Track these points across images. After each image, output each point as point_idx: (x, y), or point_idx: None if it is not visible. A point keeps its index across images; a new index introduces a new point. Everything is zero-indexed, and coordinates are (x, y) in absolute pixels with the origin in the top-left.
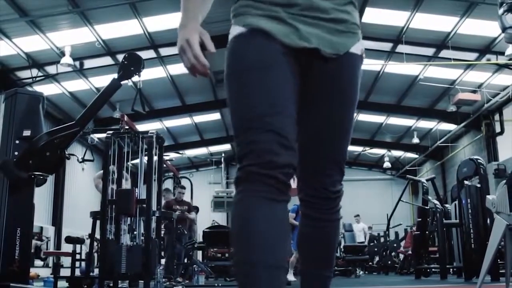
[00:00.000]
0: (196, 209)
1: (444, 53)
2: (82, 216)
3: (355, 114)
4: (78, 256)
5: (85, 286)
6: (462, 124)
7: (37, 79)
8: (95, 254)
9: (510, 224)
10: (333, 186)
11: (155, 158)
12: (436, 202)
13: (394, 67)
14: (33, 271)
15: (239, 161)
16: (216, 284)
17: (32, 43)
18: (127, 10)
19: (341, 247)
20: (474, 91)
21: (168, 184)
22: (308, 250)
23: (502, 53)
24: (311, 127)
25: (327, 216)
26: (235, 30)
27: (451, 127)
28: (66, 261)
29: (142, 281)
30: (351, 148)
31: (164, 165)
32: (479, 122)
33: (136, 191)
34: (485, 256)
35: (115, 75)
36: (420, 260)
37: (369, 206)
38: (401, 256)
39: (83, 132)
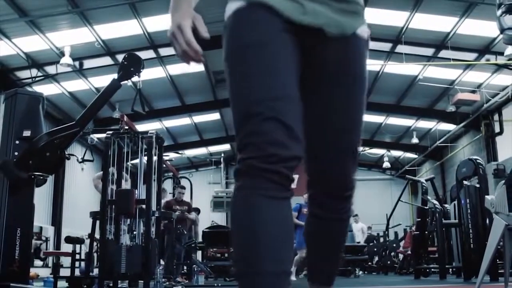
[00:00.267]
0: (198, 211)
1: (444, 53)
2: (81, 216)
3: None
4: (77, 256)
5: (85, 286)
6: (462, 124)
7: (37, 79)
8: (95, 254)
9: (509, 224)
10: (347, 181)
11: (155, 158)
12: (436, 202)
13: (394, 67)
14: (32, 271)
15: (239, 151)
16: (215, 284)
17: (31, 43)
18: (127, 10)
19: None
20: (473, 91)
21: (168, 184)
22: (315, 250)
23: (502, 53)
24: (318, 116)
25: (337, 215)
26: (233, 5)
27: (450, 127)
28: (65, 261)
29: (142, 281)
30: None
31: (164, 165)
32: (478, 122)
33: (136, 191)
34: (484, 256)
35: (115, 75)
36: (420, 260)
37: (368, 206)
38: (401, 256)
39: (83, 132)
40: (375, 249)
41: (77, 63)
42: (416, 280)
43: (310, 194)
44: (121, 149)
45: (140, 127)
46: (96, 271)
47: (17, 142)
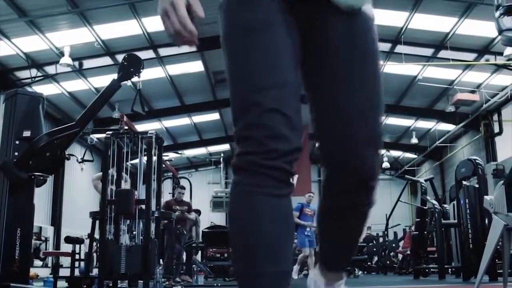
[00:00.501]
0: (199, 213)
1: (443, 53)
2: (81, 216)
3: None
4: (77, 256)
5: (85, 286)
6: (461, 124)
7: (36, 79)
8: (95, 254)
9: (507, 224)
10: (369, 172)
11: (154, 158)
12: (435, 202)
13: (393, 68)
14: (32, 271)
15: (237, 142)
16: (215, 284)
17: (31, 43)
18: (126, 10)
19: None
20: (472, 92)
21: (167, 184)
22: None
23: (501, 54)
24: (329, 100)
25: (355, 213)
26: None
27: (449, 127)
28: (65, 261)
29: (142, 281)
30: None
31: (163, 165)
32: (477, 122)
33: (135, 191)
34: (483, 256)
35: (114, 75)
36: (419, 260)
37: None
38: (400, 256)
39: (82, 133)
40: (375, 249)
41: (76, 63)
42: (415, 280)
43: (325, 185)
44: (121, 149)
45: (140, 127)
46: (95, 271)
47: (17, 142)
